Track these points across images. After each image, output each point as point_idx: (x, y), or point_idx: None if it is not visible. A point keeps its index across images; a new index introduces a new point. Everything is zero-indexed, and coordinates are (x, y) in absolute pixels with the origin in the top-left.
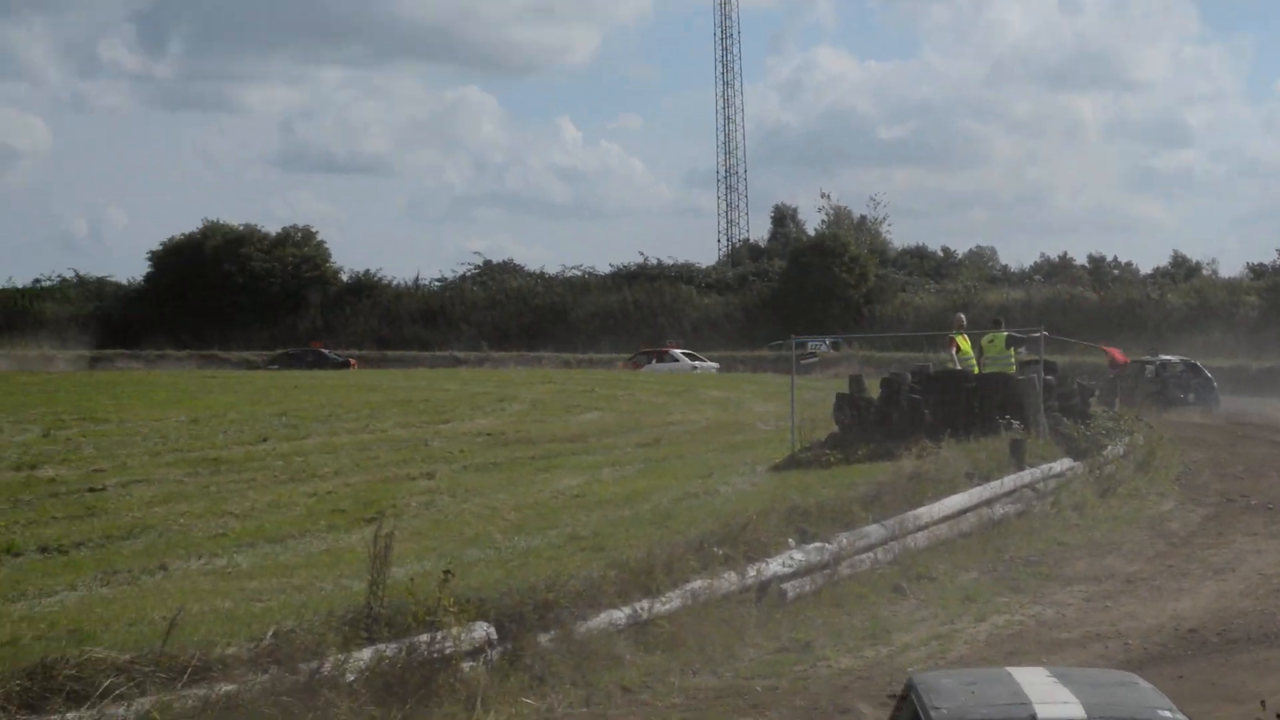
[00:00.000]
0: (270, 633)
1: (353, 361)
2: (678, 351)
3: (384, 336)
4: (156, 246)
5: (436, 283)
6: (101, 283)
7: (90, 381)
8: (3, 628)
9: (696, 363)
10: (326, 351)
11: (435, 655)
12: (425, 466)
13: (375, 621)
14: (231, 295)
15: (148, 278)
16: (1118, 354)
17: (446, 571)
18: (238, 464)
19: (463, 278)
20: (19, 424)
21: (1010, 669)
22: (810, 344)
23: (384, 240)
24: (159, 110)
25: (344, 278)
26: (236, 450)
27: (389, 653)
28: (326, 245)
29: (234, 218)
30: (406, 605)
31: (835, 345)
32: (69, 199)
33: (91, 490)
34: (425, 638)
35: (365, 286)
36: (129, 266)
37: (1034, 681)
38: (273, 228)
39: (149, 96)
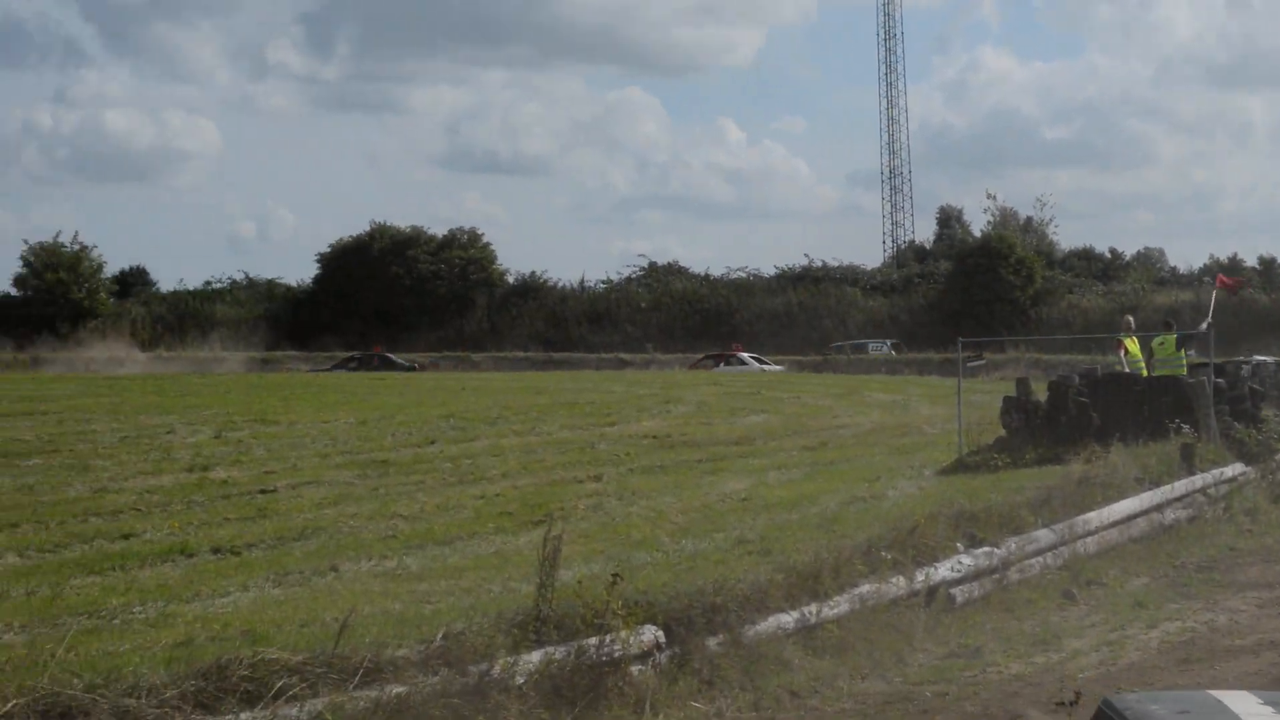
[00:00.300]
0: (440, 635)
1: (417, 365)
2: (746, 355)
3: (550, 338)
4: (325, 248)
5: (602, 284)
6: (271, 284)
7: (260, 383)
8: (177, 628)
9: (765, 365)
10: (392, 356)
11: (604, 658)
12: (592, 469)
13: (544, 624)
14: (399, 297)
15: (316, 279)
16: (1224, 279)
17: (615, 574)
18: (406, 466)
19: (628, 279)
20: (191, 426)
21: (1216, 694)
22: (871, 346)
23: (549, 242)
24: (325, 112)
25: (510, 279)
26: (405, 452)
27: (558, 655)
28: (492, 247)
29: (400, 219)
30: (575, 608)
31: (895, 347)
32: (238, 201)
33: (263, 492)
34: (594, 641)
35: (531, 288)
36: (297, 268)
37: (1252, 711)
38: (439, 229)
39: (315, 98)
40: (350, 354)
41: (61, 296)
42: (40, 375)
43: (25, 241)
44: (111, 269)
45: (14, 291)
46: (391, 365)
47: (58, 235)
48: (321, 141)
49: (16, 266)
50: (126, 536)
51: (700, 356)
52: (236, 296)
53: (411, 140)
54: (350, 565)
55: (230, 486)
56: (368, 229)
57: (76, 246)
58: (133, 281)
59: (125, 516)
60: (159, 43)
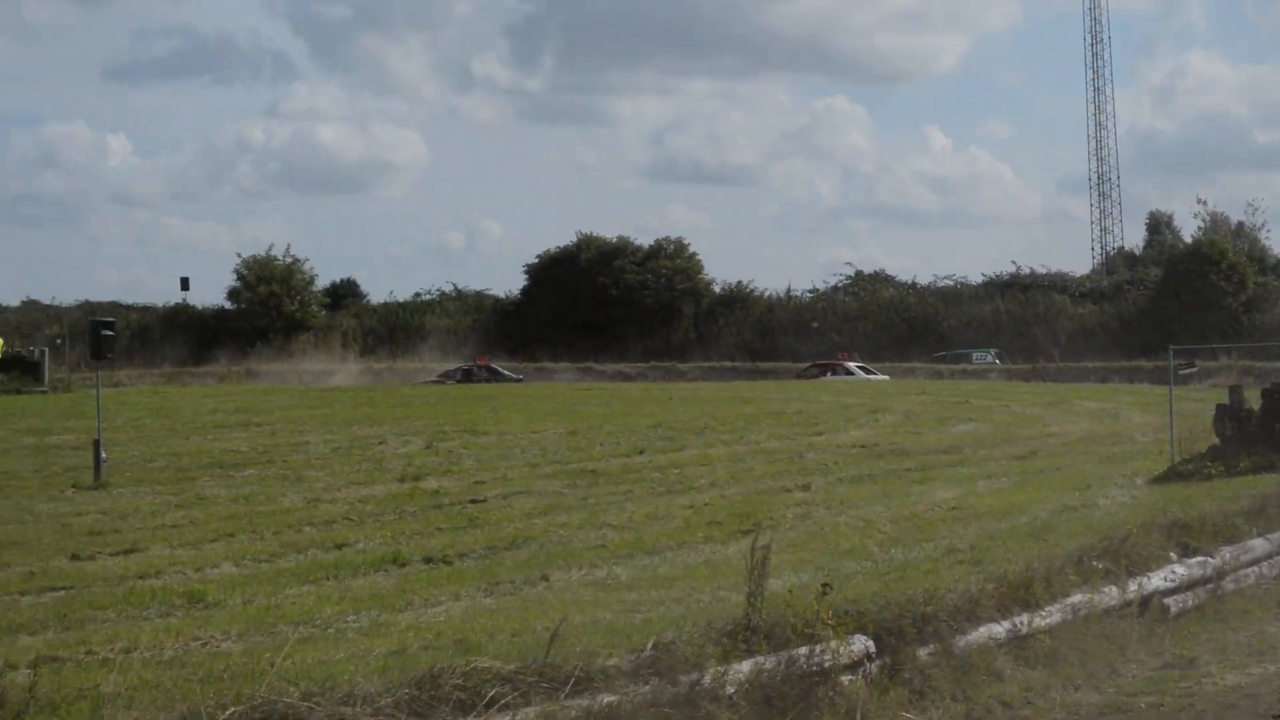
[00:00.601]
0: (650, 644)
1: (521, 377)
2: (852, 364)
3: (756, 348)
4: (532, 259)
5: (808, 294)
6: (479, 296)
7: (470, 394)
8: (391, 637)
9: (871, 375)
10: (498, 368)
11: (814, 668)
12: (800, 478)
13: (753, 634)
14: (606, 308)
15: (524, 290)
16: None
17: (824, 584)
18: (615, 476)
19: (834, 288)
20: (403, 437)
21: None
22: (975, 355)
23: (754, 251)
24: (531, 124)
25: (716, 289)
26: (613, 462)
27: (768, 665)
28: (698, 257)
29: (607, 230)
30: (785, 617)
31: (999, 356)
32: (445, 212)
33: (473, 502)
34: (804, 650)
35: (737, 298)
36: (505, 279)
37: None
38: (645, 240)
39: (522, 110)
40: (457, 365)
41: (274, 309)
42: (254, 387)
43: (239, 255)
44: (323, 281)
45: (228, 304)
46: (498, 376)
47: (270, 248)
48: (527, 153)
49: (231, 280)
50: (340, 546)
51: (806, 365)
52: (446, 308)
53: (617, 151)
54: (560, 574)
55: (441, 496)
56: (574, 240)
57: (289, 259)
58: (343, 293)
59: (338, 526)
60: (367, 56)
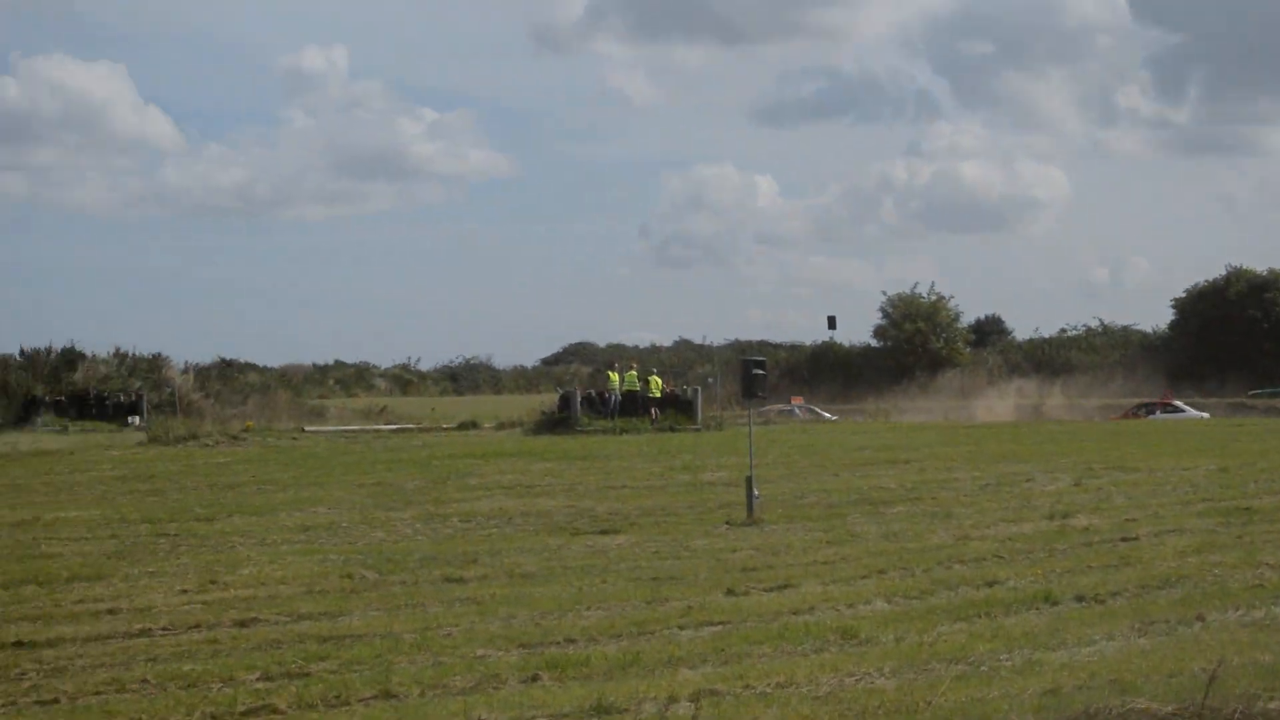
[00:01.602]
0: None
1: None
2: (1179, 402)
3: None
4: (1180, 294)
5: None
6: (1126, 331)
7: (1117, 430)
8: (1044, 676)
9: (1202, 413)
10: (815, 408)
11: None
12: None
13: None
14: (1256, 341)
15: (1171, 325)
16: None
17: None
18: (1270, 514)
19: None
20: (1050, 473)
21: None
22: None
23: None
24: (1176, 155)
25: None
26: (1269, 500)
27: None
28: None
29: (1257, 262)
30: None
31: None
32: (1090, 247)
33: (1124, 539)
34: None
35: None
36: (1153, 314)
37: None
38: None
39: (1166, 142)
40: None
41: (920, 346)
42: (900, 424)
43: (883, 293)
44: (967, 318)
45: (874, 342)
46: (819, 417)
47: (914, 286)
48: (1172, 185)
49: (876, 318)
50: (990, 584)
51: (1134, 404)
52: (1091, 343)
53: (1266, 181)
54: (1216, 614)
55: (1091, 534)
56: (1223, 272)
57: (933, 296)
58: (988, 330)
59: (988, 563)
60: (1009, 93)
